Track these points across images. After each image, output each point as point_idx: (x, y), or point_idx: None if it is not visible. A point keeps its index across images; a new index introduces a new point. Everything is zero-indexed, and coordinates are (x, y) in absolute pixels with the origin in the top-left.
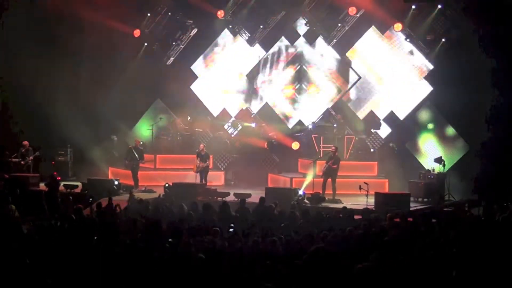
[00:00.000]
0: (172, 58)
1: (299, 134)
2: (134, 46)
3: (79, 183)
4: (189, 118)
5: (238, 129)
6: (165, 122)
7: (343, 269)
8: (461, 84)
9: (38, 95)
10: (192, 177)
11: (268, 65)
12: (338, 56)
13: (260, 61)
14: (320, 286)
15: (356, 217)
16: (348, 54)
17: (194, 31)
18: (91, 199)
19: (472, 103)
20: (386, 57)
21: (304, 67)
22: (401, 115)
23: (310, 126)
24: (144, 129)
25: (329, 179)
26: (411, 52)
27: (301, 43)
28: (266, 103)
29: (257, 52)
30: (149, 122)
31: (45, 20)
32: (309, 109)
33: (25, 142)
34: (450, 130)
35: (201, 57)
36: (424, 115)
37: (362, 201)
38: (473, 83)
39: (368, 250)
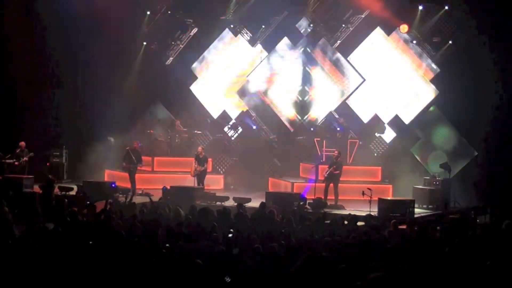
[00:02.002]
0: (171, 58)
1: (301, 137)
2: (133, 46)
3: (74, 186)
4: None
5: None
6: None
7: (341, 277)
8: (468, 88)
9: (33, 95)
10: (190, 181)
11: (269, 66)
12: (342, 58)
13: (261, 62)
14: None
15: (359, 223)
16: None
17: (194, 30)
18: (88, 202)
19: (479, 107)
20: (391, 59)
21: (306, 68)
22: (407, 119)
23: (312, 129)
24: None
25: (331, 184)
26: (417, 54)
27: (304, 44)
28: (268, 105)
29: (259, 52)
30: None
31: (41, 20)
32: (312, 112)
33: (22, 143)
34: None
35: (201, 58)
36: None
37: (365, 207)
38: (480, 86)
39: (369, 258)
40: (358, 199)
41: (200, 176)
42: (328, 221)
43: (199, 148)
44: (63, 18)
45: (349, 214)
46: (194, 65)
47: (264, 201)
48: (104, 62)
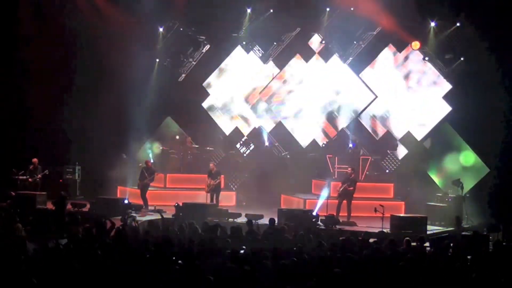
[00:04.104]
0: (183, 75)
1: (313, 154)
2: (145, 62)
3: (87, 202)
4: (177, 137)
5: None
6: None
7: None
8: (480, 105)
9: (47, 112)
10: (203, 197)
11: (281, 83)
12: (354, 75)
13: (273, 78)
14: None
15: (371, 240)
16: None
17: (207, 47)
18: (104, 219)
19: (492, 124)
20: (403, 75)
21: (318, 85)
22: (419, 135)
23: (323, 145)
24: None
25: (345, 201)
26: (429, 71)
27: (315, 60)
28: (280, 122)
29: (271, 69)
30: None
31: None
32: (323, 128)
33: (35, 160)
34: (469, 152)
35: (213, 74)
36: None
37: (378, 224)
38: (492, 103)
39: (383, 275)
40: (370, 216)
41: (215, 192)
42: (343, 238)
43: (211, 165)
44: (73, 36)
45: (352, 232)
46: (206, 82)
47: (275, 217)
48: (117, 79)
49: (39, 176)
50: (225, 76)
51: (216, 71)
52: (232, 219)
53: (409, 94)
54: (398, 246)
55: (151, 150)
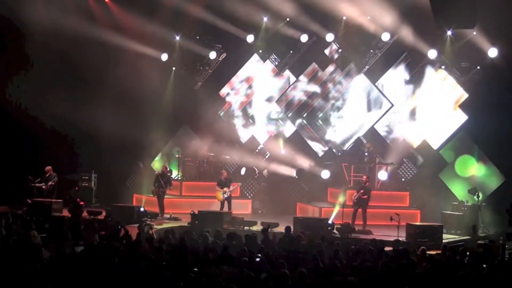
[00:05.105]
0: (200, 83)
1: (329, 162)
2: (161, 70)
3: (103, 210)
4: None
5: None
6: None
7: None
8: (497, 113)
9: (62, 119)
10: (218, 205)
11: (297, 91)
12: (370, 83)
13: (290, 87)
14: None
15: (386, 248)
16: None
17: (223, 55)
18: (120, 226)
19: (508, 132)
20: (420, 84)
21: (334, 94)
22: (435, 144)
23: (339, 154)
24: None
25: (360, 209)
26: (445, 80)
27: (332, 69)
28: (296, 130)
29: (287, 78)
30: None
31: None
32: (339, 137)
33: (48, 168)
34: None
35: (229, 82)
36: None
37: (393, 233)
38: (510, 111)
39: (398, 284)
40: (386, 224)
41: (226, 200)
42: (358, 246)
43: (224, 173)
44: (95, 46)
45: (373, 239)
46: (222, 90)
47: (291, 225)
48: (132, 87)
49: (51, 183)
50: (241, 84)
51: (232, 79)
52: (247, 227)
53: (425, 102)
54: (412, 254)
55: (174, 153)
